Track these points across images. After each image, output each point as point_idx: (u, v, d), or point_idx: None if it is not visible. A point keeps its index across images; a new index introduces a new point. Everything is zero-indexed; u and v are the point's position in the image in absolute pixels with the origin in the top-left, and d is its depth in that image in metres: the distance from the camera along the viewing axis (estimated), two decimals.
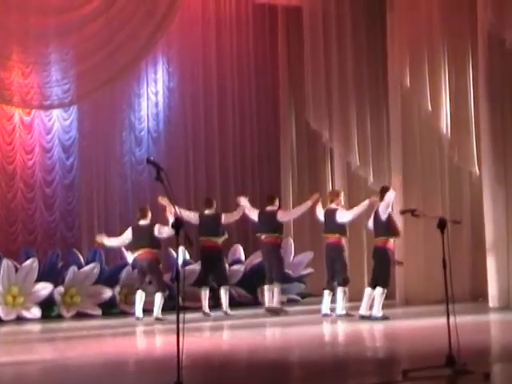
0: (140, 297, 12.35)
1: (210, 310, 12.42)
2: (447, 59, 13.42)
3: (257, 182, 16.62)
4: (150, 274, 12.38)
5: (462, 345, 6.41)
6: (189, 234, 5.80)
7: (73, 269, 12.91)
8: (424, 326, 10.59)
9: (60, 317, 12.73)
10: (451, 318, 6.50)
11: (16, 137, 14.94)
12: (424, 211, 11.62)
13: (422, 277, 13.42)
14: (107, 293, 13.15)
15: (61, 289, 12.82)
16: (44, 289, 12.75)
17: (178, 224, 6.86)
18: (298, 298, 14.82)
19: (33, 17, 14.01)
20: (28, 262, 12.67)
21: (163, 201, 11.40)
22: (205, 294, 12.52)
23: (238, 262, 14.44)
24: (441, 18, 13.27)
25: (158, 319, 11.94)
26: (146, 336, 10.31)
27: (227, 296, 12.59)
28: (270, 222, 12.44)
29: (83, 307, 13.02)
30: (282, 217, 12.70)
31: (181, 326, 5.42)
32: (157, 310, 12.16)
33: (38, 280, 12.74)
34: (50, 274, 12.91)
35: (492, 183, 12.34)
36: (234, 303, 13.37)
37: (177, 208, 11.86)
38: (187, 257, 14.00)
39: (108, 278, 13.26)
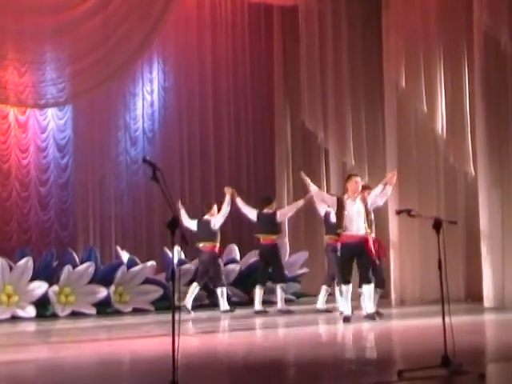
0: (193, 289, 12.77)
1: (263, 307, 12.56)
2: (443, 59, 13.43)
3: (252, 182, 16.62)
4: (210, 267, 12.78)
5: (457, 345, 6.42)
6: (185, 234, 5.79)
7: (68, 268, 12.88)
8: (419, 326, 10.59)
9: (55, 316, 12.71)
10: (446, 319, 6.50)
11: (11, 136, 14.93)
12: (419, 211, 11.68)
13: (417, 277, 13.44)
14: (102, 292, 13.13)
15: (55, 288, 12.80)
16: (39, 288, 12.73)
17: (174, 223, 6.86)
18: (293, 297, 14.81)
19: (28, 16, 13.98)
20: (23, 261, 12.64)
21: (228, 192, 12.59)
22: (260, 292, 12.55)
23: (234, 261, 14.44)
24: (436, 18, 13.29)
25: (225, 311, 12.59)
26: (141, 335, 10.28)
27: (283, 293, 12.72)
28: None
29: (78, 306, 13.00)
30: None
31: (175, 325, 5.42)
32: (223, 303, 12.72)
33: (33, 279, 12.71)
34: (44, 273, 12.89)
35: (487, 184, 12.35)
36: (228, 302, 13.37)
37: (239, 201, 12.41)
38: (183, 256, 13.98)
39: (103, 277, 13.24)
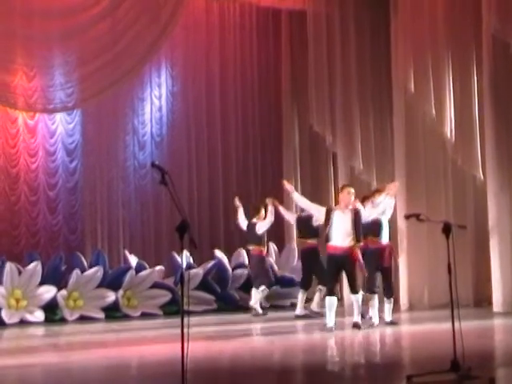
0: (255, 293, 12.93)
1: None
2: (451, 63, 13.40)
3: (259, 186, 16.61)
4: (258, 270, 13.06)
5: (466, 350, 6.40)
6: (194, 238, 5.78)
7: (76, 272, 12.90)
8: (428, 330, 10.56)
9: (63, 320, 12.72)
10: (456, 323, 6.48)
11: (20, 140, 14.96)
12: (428, 215, 11.63)
13: (427, 282, 13.41)
14: (110, 296, 13.14)
15: (64, 292, 12.81)
16: (47, 292, 12.74)
17: (183, 227, 6.85)
18: None
19: (37, 21, 14.02)
20: (31, 265, 12.66)
21: (269, 202, 12.81)
22: (303, 296, 12.45)
23: (241, 266, 14.43)
24: (445, 22, 13.26)
25: (253, 312, 12.69)
26: (150, 340, 10.28)
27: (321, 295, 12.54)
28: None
29: (86, 311, 13.00)
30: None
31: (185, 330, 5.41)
32: (254, 301, 12.88)
33: (42, 283, 12.73)
34: (53, 277, 12.90)
35: (496, 187, 12.31)
36: (236, 307, 13.39)
37: (281, 208, 12.24)
38: (191, 260, 13.99)
39: (111, 281, 13.25)
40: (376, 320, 10.70)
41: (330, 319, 10.32)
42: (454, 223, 7.18)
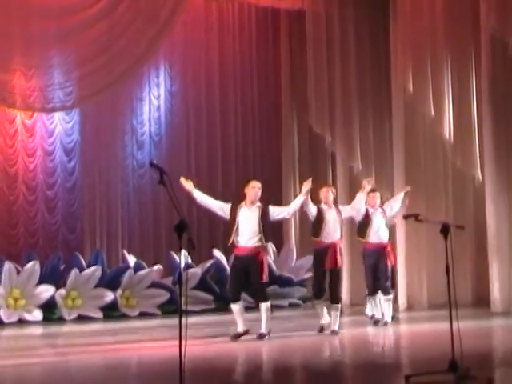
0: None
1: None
2: (450, 64, 13.41)
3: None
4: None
5: (465, 350, 6.39)
6: (192, 237, 5.77)
7: (74, 271, 12.90)
8: (427, 330, 10.57)
9: (61, 319, 12.73)
10: (454, 323, 6.48)
11: (18, 140, 14.94)
12: (427, 216, 11.64)
13: (425, 282, 13.41)
14: (109, 296, 13.14)
15: (62, 291, 12.81)
16: (46, 291, 12.75)
17: (181, 227, 6.85)
18: (300, 302, 14.81)
19: (35, 20, 13.99)
20: (30, 264, 12.67)
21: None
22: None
23: None
24: (444, 24, 13.26)
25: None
26: (148, 339, 10.28)
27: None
28: None
29: (85, 310, 13.01)
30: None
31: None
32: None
33: (40, 283, 12.74)
34: (51, 276, 12.91)
35: (495, 188, 12.31)
36: None
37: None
38: (189, 260, 13.98)
39: (110, 280, 13.26)
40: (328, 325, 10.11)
41: (240, 325, 9.56)
42: (452, 224, 7.18)
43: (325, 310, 10.28)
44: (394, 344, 9.67)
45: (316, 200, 10.33)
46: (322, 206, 10.33)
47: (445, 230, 6.74)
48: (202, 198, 9.95)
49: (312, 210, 10.20)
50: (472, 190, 13.45)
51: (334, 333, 9.91)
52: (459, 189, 13.61)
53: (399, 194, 11.69)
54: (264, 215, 9.65)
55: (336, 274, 10.20)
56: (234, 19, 16.67)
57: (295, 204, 10.15)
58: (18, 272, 12.63)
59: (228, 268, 14.01)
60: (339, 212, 10.40)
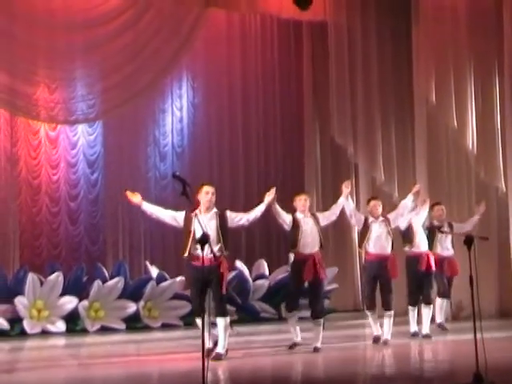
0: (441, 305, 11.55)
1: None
2: (473, 75, 13.36)
3: (281, 197, 16.53)
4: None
5: (489, 362, 6.34)
6: (214, 250, 5.77)
7: (97, 283, 12.93)
8: (451, 342, 10.48)
9: (84, 331, 12.75)
10: (478, 335, 6.43)
11: (41, 151, 15.04)
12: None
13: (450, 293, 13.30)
14: (131, 307, 13.16)
15: (85, 303, 12.84)
16: (69, 303, 12.78)
17: (204, 239, 6.86)
18: None
19: (59, 33, 14.10)
20: (53, 275, 12.71)
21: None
22: (413, 313, 10.94)
23: (262, 277, 14.41)
24: (467, 33, 13.23)
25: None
26: (171, 351, 10.27)
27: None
28: None
29: (107, 321, 13.03)
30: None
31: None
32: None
33: (63, 294, 12.78)
34: (74, 287, 12.94)
35: None
36: (257, 318, 13.32)
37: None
38: None
39: (132, 292, 13.27)
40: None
41: (210, 341, 8.70)
42: (476, 235, 7.13)
43: (297, 327, 9.76)
44: (418, 356, 9.59)
45: (292, 209, 9.85)
46: (297, 214, 9.76)
47: (468, 242, 6.70)
48: (153, 209, 9.40)
49: (286, 219, 9.66)
50: (495, 201, 13.35)
51: (316, 350, 9.41)
52: (483, 199, 13.50)
53: (405, 199, 10.87)
54: (223, 221, 9.05)
55: (317, 287, 9.58)
56: (257, 31, 16.71)
57: (255, 212, 9.45)
58: (42, 283, 12.69)
59: (250, 279, 14.07)
60: (317, 220, 9.80)
